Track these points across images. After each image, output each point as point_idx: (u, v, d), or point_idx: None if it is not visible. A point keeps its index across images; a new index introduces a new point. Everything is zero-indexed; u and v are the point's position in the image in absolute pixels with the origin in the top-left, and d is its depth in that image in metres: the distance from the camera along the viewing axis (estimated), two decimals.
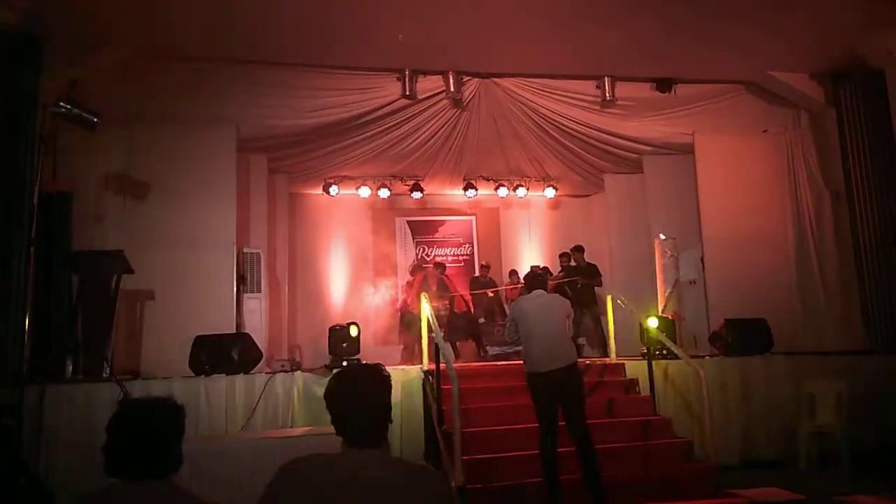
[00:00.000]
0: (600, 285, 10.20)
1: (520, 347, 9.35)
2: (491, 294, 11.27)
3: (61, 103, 5.93)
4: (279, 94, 8.68)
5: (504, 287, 11.38)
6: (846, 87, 9.07)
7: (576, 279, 10.21)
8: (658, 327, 7.42)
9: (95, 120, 6.19)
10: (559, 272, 10.84)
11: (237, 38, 7.82)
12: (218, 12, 7.25)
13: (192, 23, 7.43)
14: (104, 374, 6.47)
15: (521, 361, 7.97)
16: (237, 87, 8.44)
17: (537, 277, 5.96)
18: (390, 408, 2.07)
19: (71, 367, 6.77)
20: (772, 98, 9.67)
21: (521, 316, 5.45)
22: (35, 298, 6.23)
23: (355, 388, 2.03)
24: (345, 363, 7.05)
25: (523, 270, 11.43)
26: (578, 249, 10.53)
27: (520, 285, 11.18)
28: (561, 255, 11.12)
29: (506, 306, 11.14)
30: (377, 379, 2.06)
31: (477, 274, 11.81)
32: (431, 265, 11.35)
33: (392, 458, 2.05)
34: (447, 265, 11.46)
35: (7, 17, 6.33)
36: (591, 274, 10.24)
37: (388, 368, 2.19)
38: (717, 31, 8.02)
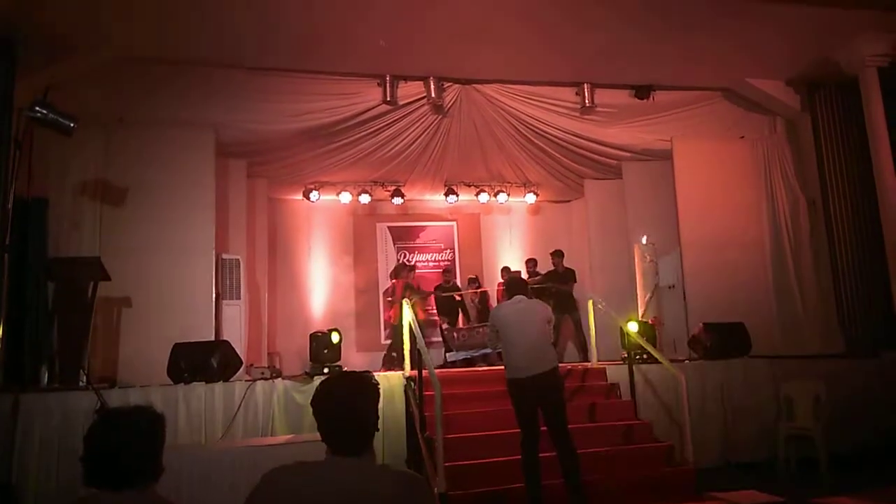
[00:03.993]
0: (570, 288, 10.25)
1: (484, 352, 9.52)
2: (458, 297, 11.31)
3: (37, 107, 5.82)
4: (259, 99, 8.62)
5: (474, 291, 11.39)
6: (821, 94, 9.22)
7: (548, 285, 10.28)
8: (638, 332, 7.46)
9: (72, 125, 6.08)
10: (530, 278, 10.92)
11: (216, 41, 7.77)
12: (197, 16, 7.20)
13: (171, 26, 7.37)
14: (80, 383, 6.38)
15: (492, 367, 8.05)
16: (216, 91, 8.38)
17: (518, 283, 5.90)
18: (377, 416, 2.05)
19: (46, 376, 6.67)
20: (748, 105, 9.80)
21: (501, 322, 5.43)
22: (9, 306, 6.13)
23: (343, 395, 2.01)
24: (326, 370, 7.02)
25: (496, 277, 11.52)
26: (558, 254, 10.60)
27: (480, 290, 11.28)
28: (527, 262, 11.24)
29: (469, 312, 11.27)
30: (365, 387, 2.05)
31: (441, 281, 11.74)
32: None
33: (377, 465, 2.03)
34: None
35: None
36: (565, 278, 10.29)
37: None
38: (695, 39, 8.11)
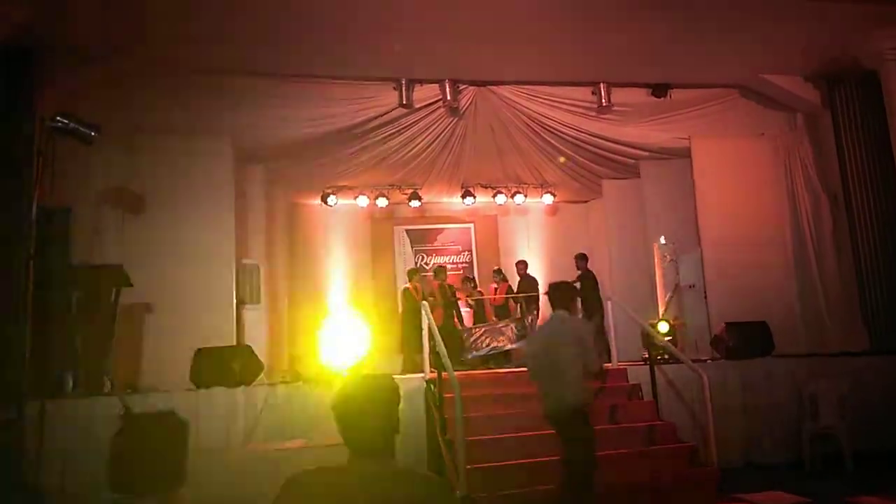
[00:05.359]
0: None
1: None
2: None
3: (58, 117, 5.90)
4: (276, 105, 8.69)
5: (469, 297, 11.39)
6: (841, 89, 9.10)
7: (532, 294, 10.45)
8: (667, 332, 7.42)
9: (93, 134, 6.17)
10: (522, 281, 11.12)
11: (233, 49, 7.83)
12: (214, 25, 7.27)
13: (189, 36, 7.44)
14: (105, 389, 6.45)
15: (505, 370, 8.04)
16: (234, 98, 8.45)
17: (558, 292, 4.99)
18: (398, 419, 2.06)
19: (71, 382, 6.74)
20: (767, 101, 9.70)
21: (529, 354, 5.02)
22: (34, 313, 6.22)
23: (364, 398, 2.02)
24: (347, 374, 7.04)
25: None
26: (582, 257, 10.64)
27: (476, 290, 11.30)
28: (518, 263, 11.37)
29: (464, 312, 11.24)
30: (385, 389, 2.05)
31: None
32: (430, 273, 11.39)
33: (399, 468, 2.04)
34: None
35: (2, 30, 6.33)
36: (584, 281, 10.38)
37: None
38: (711, 36, 8.06)
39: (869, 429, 6.95)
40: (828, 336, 9.11)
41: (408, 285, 10.68)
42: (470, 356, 9.90)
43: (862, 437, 6.79)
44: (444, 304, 10.21)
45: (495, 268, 11.66)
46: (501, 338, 9.97)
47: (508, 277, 11.43)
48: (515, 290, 11.10)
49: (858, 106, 8.94)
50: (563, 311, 4.85)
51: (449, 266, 12.39)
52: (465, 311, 11.30)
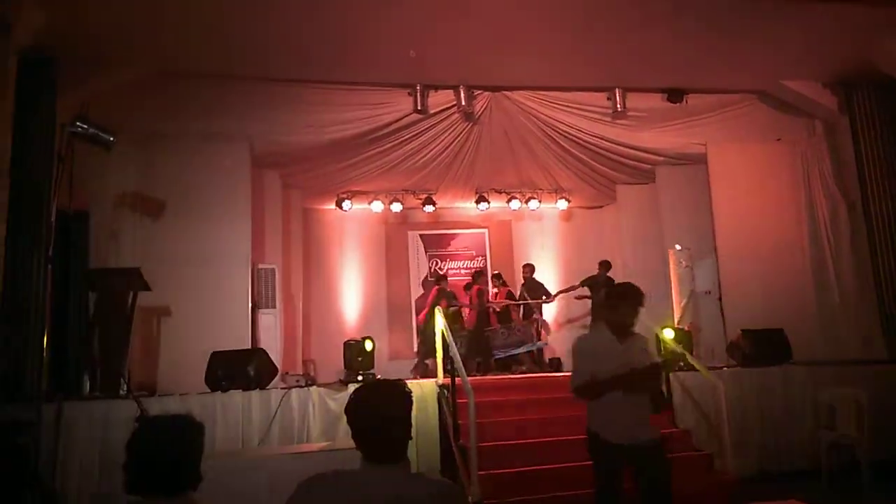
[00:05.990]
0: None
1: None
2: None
3: (78, 123, 5.98)
4: (292, 111, 8.73)
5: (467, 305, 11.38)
6: (859, 94, 9.01)
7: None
8: (675, 339, 7.35)
9: (112, 139, 6.25)
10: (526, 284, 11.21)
11: (250, 55, 7.89)
12: (231, 30, 7.33)
13: (206, 41, 7.51)
14: (121, 391, 6.51)
15: (526, 374, 8.01)
16: (251, 103, 8.50)
17: (611, 297, 4.36)
18: (411, 424, 2.06)
19: (88, 384, 6.81)
20: (784, 107, 9.60)
21: None
22: (52, 316, 6.29)
23: (377, 403, 2.03)
24: (360, 378, 7.07)
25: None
26: (605, 265, 10.66)
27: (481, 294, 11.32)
28: (524, 266, 11.41)
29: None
30: (399, 395, 2.06)
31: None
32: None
33: (412, 473, 2.04)
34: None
35: (23, 37, 6.42)
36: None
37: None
38: (728, 42, 8.00)
39: (887, 438, 6.86)
40: (845, 344, 9.00)
41: (440, 286, 10.71)
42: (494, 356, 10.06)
43: (880, 446, 6.70)
44: (479, 307, 10.32)
45: (494, 272, 11.69)
46: (516, 341, 10.05)
47: (514, 281, 11.46)
48: (518, 293, 11.14)
49: (877, 112, 8.85)
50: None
51: (463, 271, 12.42)
52: None
